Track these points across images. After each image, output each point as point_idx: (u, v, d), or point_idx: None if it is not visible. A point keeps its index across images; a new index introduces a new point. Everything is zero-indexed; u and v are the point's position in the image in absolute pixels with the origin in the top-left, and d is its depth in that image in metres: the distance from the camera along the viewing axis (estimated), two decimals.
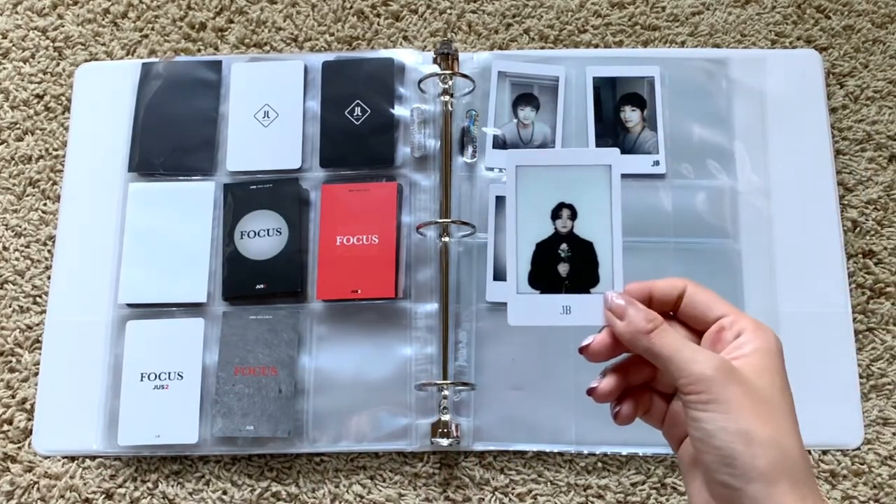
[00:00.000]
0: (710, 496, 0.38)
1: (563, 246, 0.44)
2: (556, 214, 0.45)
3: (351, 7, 0.75)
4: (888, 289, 0.67)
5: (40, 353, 0.67)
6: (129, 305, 0.67)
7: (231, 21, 0.75)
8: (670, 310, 0.42)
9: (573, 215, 0.44)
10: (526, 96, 0.70)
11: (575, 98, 0.70)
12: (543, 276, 0.44)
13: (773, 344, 0.39)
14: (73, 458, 0.65)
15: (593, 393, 0.42)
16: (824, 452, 0.63)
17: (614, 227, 0.44)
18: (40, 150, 0.72)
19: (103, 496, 0.64)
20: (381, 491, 0.63)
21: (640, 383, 0.43)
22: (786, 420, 0.37)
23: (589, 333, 0.43)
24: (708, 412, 0.37)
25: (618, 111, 0.69)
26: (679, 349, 0.39)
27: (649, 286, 0.42)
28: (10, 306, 0.68)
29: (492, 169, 0.69)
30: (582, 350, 0.42)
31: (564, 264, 0.44)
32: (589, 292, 0.44)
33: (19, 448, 0.65)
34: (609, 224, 0.44)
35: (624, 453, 0.63)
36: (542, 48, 0.73)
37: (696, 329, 0.41)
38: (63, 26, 0.75)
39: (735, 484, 0.36)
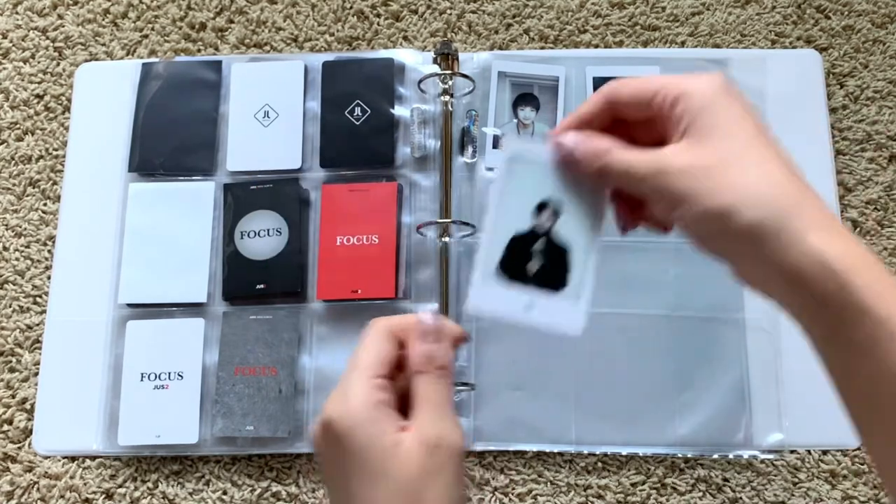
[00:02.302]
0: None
1: (538, 245, 0.42)
2: (538, 210, 0.42)
3: (351, 7, 0.75)
4: None
5: (40, 353, 0.67)
6: (129, 305, 0.67)
7: (231, 21, 0.75)
8: (609, 119, 0.40)
9: (555, 216, 0.42)
10: (526, 96, 0.70)
11: (575, 98, 0.70)
12: (512, 269, 0.42)
13: (709, 93, 0.36)
14: (73, 458, 0.65)
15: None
16: (824, 452, 0.63)
17: (595, 237, 0.42)
18: (40, 150, 0.72)
19: (103, 496, 0.64)
20: None
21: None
22: (748, 167, 0.34)
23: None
24: (674, 212, 0.36)
25: None
26: (613, 157, 0.38)
27: (578, 118, 0.40)
28: (10, 306, 0.68)
29: (492, 169, 0.69)
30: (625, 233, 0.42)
31: (535, 262, 0.42)
32: (555, 291, 0.42)
33: (19, 448, 0.65)
34: (590, 232, 0.42)
35: (624, 453, 0.63)
36: (542, 48, 0.73)
37: (653, 118, 0.38)
38: (63, 26, 0.76)
39: (725, 253, 0.36)
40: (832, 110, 0.71)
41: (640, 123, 0.39)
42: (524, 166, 0.42)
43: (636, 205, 0.41)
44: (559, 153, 0.40)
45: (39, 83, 0.74)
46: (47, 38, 0.75)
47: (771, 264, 0.33)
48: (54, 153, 0.72)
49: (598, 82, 0.70)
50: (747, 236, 0.33)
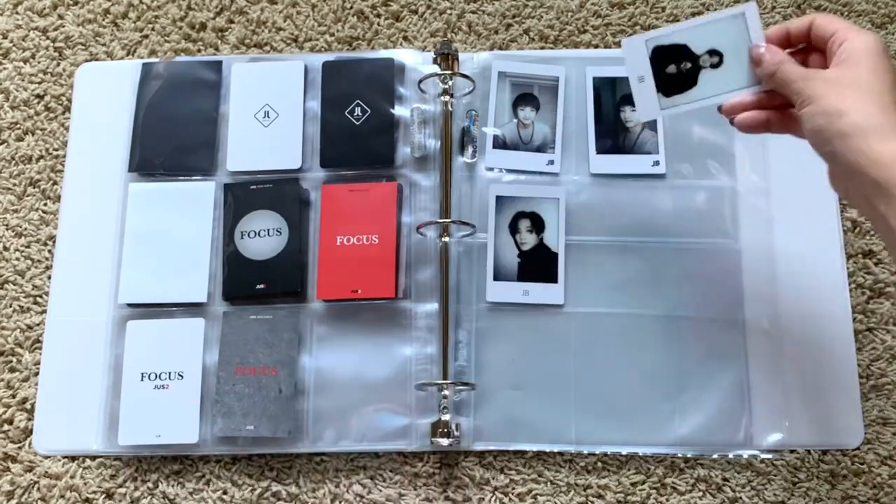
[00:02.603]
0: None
1: (686, 63, 0.57)
2: (712, 52, 0.56)
3: (351, 7, 0.75)
4: (888, 289, 0.67)
5: (41, 353, 0.67)
6: (130, 305, 0.67)
7: (231, 21, 0.75)
8: (804, 41, 0.54)
9: (715, 65, 0.56)
10: (526, 96, 0.70)
11: (575, 98, 0.70)
12: (659, 56, 0.57)
13: (864, 45, 0.50)
14: (73, 458, 0.65)
15: (734, 123, 0.56)
16: (824, 452, 0.63)
17: (715, 100, 0.56)
18: (41, 151, 0.72)
19: (103, 496, 0.64)
20: (381, 491, 0.63)
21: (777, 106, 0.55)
22: (867, 94, 0.48)
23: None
24: (805, 108, 0.50)
25: (618, 111, 0.69)
26: (785, 67, 0.52)
27: (786, 27, 0.54)
28: (10, 306, 0.68)
29: (492, 169, 0.69)
30: (722, 111, 0.56)
31: (674, 69, 0.57)
32: (661, 92, 0.57)
33: (20, 448, 0.65)
34: (719, 93, 0.56)
35: (624, 453, 0.63)
36: (542, 48, 0.73)
37: (824, 50, 0.53)
38: (63, 26, 0.76)
39: (826, 145, 0.49)
40: None
41: (811, 50, 0.54)
42: (740, 26, 0.56)
43: (769, 106, 0.55)
44: (754, 51, 0.55)
45: (40, 83, 0.74)
46: (47, 38, 0.75)
47: (855, 158, 0.46)
48: (54, 153, 0.72)
49: (598, 82, 0.70)
50: (844, 132, 0.47)
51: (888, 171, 0.45)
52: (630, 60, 0.58)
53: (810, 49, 0.54)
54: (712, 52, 0.56)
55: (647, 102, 0.58)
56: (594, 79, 0.70)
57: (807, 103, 0.50)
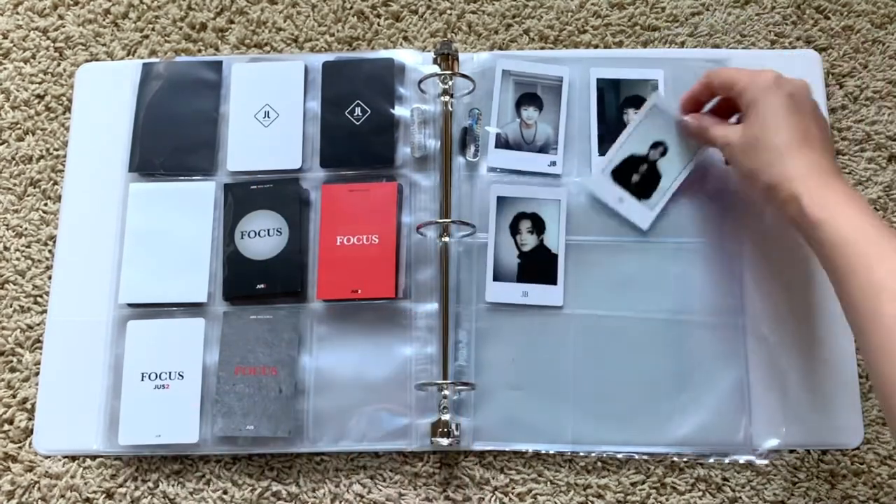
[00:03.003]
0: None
1: (643, 167, 0.65)
2: (655, 145, 0.65)
3: (351, 7, 0.75)
4: None
5: (41, 353, 0.67)
6: (130, 305, 0.67)
7: (231, 21, 0.75)
8: (714, 95, 0.61)
9: (663, 153, 0.65)
10: (529, 96, 0.70)
11: (578, 99, 0.70)
12: (620, 175, 0.66)
13: (756, 96, 0.56)
14: (73, 458, 0.65)
15: None
16: (824, 452, 0.63)
17: (681, 177, 0.65)
18: (41, 151, 0.72)
19: (104, 496, 0.64)
20: (381, 490, 0.63)
21: None
22: (770, 148, 0.55)
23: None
24: (731, 167, 0.61)
25: (621, 113, 0.69)
26: (711, 132, 0.60)
27: (691, 94, 0.62)
28: (10, 306, 0.68)
29: (493, 169, 0.69)
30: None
31: (637, 177, 0.65)
32: (641, 198, 0.66)
33: (20, 448, 0.65)
34: (680, 171, 0.65)
35: (623, 453, 0.63)
36: (542, 48, 0.73)
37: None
38: (64, 27, 0.76)
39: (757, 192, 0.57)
40: (831, 111, 0.71)
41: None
42: (659, 114, 0.65)
43: None
44: (681, 126, 0.64)
45: (40, 83, 0.74)
46: (48, 38, 0.75)
47: (771, 200, 0.55)
48: (55, 153, 0.72)
49: (602, 83, 0.70)
50: (762, 189, 0.56)
51: (803, 208, 0.53)
52: (601, 192, 0.66)
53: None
54: (655, 145, 0.65)
55: (637, 215, 0.66)
56: (598, 80, 0.70)
57: (733, 164, 0.59)
